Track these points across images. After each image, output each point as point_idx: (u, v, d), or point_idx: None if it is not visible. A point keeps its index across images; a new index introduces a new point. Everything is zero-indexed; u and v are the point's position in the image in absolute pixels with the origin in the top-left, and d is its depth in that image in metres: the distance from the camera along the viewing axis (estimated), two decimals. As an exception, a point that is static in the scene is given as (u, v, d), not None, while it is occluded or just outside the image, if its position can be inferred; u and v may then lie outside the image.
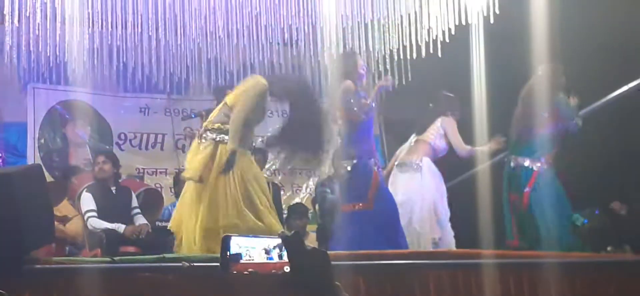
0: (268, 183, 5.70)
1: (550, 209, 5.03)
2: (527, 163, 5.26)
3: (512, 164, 5.34)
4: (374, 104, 5.23)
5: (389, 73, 6.07)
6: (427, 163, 5.52)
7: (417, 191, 5.43)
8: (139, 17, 5.82)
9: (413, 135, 5.76)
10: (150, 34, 6.24)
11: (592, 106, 5.99)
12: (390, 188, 5.49)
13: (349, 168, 5.15)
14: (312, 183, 7.61)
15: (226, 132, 4.70)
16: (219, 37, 6.34)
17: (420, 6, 5.83)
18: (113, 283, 4.15)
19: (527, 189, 5.18)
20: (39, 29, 5.61)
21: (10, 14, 5.37)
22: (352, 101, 5.03)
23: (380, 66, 6.32)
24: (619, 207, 5.63)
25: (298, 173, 7.63)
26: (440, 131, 5.59)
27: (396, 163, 5.73)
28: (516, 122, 5.44)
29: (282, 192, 7.03)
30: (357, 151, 5.14)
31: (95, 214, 5.51)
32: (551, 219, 5.00)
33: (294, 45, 6.87)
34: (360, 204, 5.06)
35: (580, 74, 5.52)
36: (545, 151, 5.25)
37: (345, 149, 5.18)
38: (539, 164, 5.23)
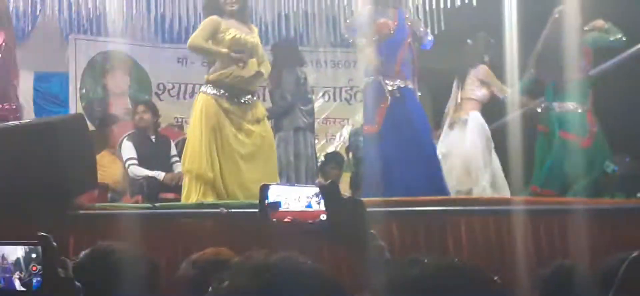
0: (300, 131, 5.87)
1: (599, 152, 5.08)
2: (573, 107, 5.17)
3: (557, 109, 5.24)
4: (407, 25, 5.11)
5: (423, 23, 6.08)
6: (473, 117, 5.54)
7: (459, 145, 5.51)
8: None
9: (458, 91, 5.78)
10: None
11: (628, 52, 5.81)
12: (441, 145, 5.56)
13: (363, 86, 5.15)
14: (346, 132, 7.78)
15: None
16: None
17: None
18: (153, 228, 4.26)
19: (593, 128, 5.12)
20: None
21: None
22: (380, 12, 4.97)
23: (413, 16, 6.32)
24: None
25: (332, 122, 7.79)
26: (476, 82, 5.57)
27: (447, 122, 5.82)
28: (546, 69, 5.34)
29: (316, 141, 7.11)
30: (375, 69, 5.00)
31: (135, 162, 5.65)
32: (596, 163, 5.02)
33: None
34: (369, 127, 5.05)
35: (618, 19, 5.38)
36: (586, 94, 5.19)
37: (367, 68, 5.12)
38: (586, 107, 5.14)
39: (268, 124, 5.10)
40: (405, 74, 4.99)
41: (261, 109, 4.95)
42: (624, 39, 5.15)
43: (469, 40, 5.78)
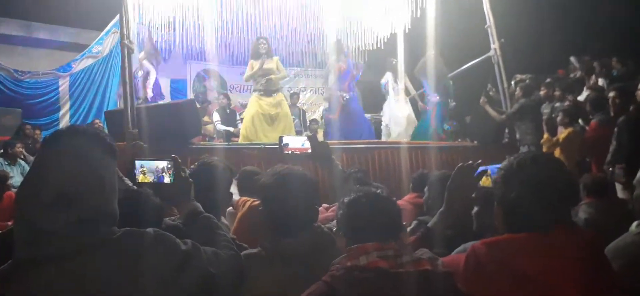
0: (300, 110, 9.15)
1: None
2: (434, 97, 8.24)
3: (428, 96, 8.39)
4: (351, 66, 8.33)
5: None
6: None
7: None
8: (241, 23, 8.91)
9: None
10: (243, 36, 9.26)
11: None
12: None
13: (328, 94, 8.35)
14: (321, 109, 11.20)
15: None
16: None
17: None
18: (228, 154, 5.91)
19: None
20: (193, 35, 8.70)
21: (178, 27, 8.47)
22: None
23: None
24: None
25: (315, 104, 11.70)
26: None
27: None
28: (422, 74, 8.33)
29: (307, 114, 10.70)
30: (336, 85, 8.03)
31: (219, 122, 8.66)
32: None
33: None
34: (331, 116, 8.17)
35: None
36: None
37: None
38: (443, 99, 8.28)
39: (286, 105, 7.78)
40: (350, 89, 8.14)
41: (280, 97, 7.68)
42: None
43: (393, 60, 8.78)
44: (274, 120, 7.41)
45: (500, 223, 1.71)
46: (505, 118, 7.36)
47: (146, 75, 8.89)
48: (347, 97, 7.96)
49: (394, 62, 8.67)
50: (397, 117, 8.44)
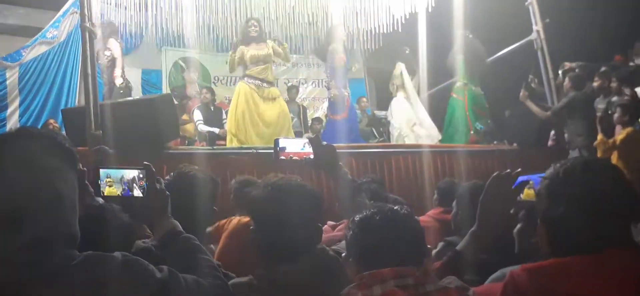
0: (300, 107, 9.34)
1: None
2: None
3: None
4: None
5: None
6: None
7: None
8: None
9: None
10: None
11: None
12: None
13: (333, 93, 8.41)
14: (324, 106, 11.26)
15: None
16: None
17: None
18: (212, 160, 6.06)
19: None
20: (169, 16, 8.77)
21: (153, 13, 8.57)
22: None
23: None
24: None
25: (318, 99, 11.89)
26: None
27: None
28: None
29: (308, 111, 10.84)
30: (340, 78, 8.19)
31: (202, 122, 8.71)
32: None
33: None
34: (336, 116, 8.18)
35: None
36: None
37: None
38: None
39: (283, 101, 7.86)
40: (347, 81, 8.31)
41: (275, 90, 7.78)
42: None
43: (407, 49, 8.96)
44: (269, 118, 7.48)
45: (545, 245, 1.71)
46: (551, 116, 7.39)
47: (113, 60, 8.75)
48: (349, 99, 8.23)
49: (407, 52, 8.72)
50: (409, 120, 8.60)
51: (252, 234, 2.04)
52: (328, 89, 8.76)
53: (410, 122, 8.51)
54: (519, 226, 2.51)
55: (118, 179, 2.03)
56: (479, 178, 3.16)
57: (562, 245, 1.65)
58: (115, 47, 8.65)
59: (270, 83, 7.71)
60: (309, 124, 10.04)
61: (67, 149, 1.62)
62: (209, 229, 3.16)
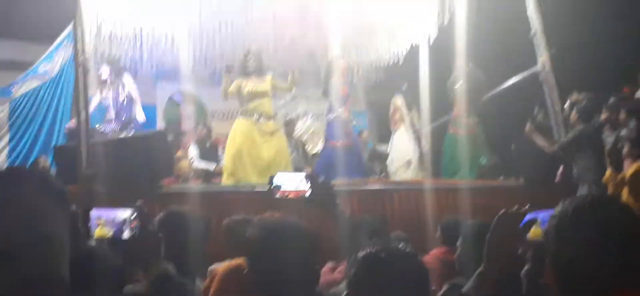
0: (297, 142, 9.36)
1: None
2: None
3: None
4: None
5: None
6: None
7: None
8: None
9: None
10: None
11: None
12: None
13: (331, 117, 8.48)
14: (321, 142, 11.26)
15: None
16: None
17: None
18: (208, 200, 6.08)
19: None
20: (161, 52, 8.81)
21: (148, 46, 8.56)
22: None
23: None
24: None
25: (316, 135, 11.66)
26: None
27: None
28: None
29: (308, 147, 10.96)
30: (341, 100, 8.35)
31: (197, 158, 8.72)
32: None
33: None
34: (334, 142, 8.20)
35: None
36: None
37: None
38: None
39: (282, 134, 7.92)
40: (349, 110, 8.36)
41: (274, 124, 7.82)
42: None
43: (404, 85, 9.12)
44: (267, 155, 7.54)
45: (554, 286, 1.69)
46: (559, 149, 7.37)
47: (130, 97, 8.93)
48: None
49: (403, 89, 8.83)
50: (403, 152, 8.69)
51: (246, 276, 2.02)
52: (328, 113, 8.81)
53: (407, 159, 8.60)
54: (527, 266, 2.48)
55: (111, 221, 2.03)
56: (484, 216, 3.09)
57: (572, 287, 1.64)
58: (130, 82, 8.87)
59: (269, 117, 7.76)
60: (308, 159, 10.05)
61: (58, 190, 1.60)
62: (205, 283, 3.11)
